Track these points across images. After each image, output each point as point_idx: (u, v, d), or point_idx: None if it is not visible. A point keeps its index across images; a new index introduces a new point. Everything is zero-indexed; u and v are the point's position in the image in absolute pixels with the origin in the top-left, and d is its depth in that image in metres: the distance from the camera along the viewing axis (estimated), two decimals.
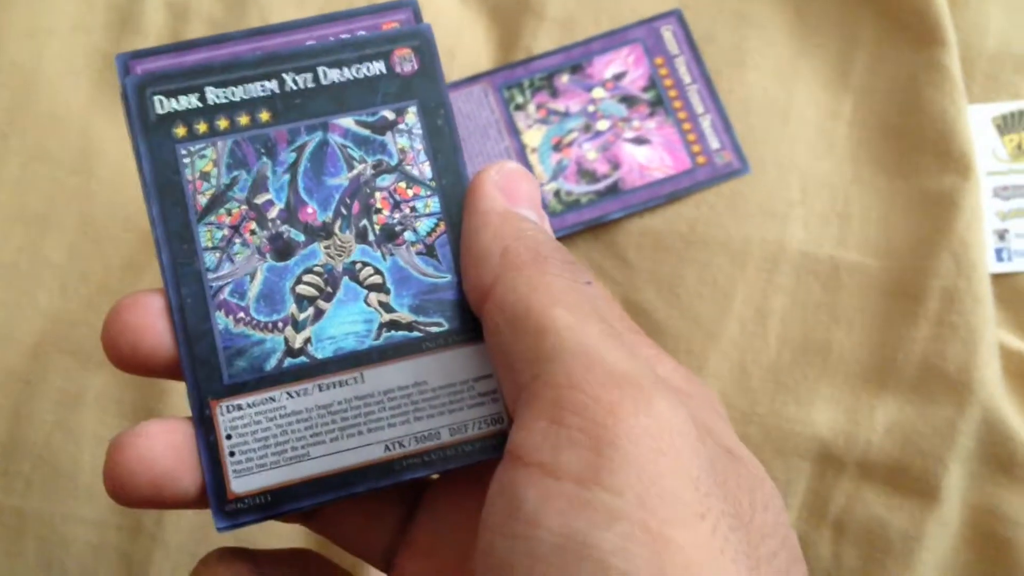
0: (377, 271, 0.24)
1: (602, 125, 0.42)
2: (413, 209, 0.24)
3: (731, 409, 0.38)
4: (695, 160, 0.41)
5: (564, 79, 0.42)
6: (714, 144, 0.41)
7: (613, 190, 0.41)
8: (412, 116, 0.25)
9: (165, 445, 0.22)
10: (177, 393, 0.38)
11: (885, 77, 0.42)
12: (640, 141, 0.42)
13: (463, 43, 0.43)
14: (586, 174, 0.41)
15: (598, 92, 0.42)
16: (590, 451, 0.18)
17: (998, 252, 0.41)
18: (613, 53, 0.43)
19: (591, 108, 0.42)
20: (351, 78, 0.24)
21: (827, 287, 0.40)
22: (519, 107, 0.42)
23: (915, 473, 0.37)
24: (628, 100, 0.42)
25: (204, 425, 0.23)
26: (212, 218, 0.24)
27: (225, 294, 0.23)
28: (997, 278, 0.40)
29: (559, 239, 0.40)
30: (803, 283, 0.40)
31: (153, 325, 0.23)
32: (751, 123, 0.42)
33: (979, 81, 0.42)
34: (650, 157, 0.41)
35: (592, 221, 0.40)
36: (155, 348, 0.23)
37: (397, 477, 0.23)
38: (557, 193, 0.41)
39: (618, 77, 0.42)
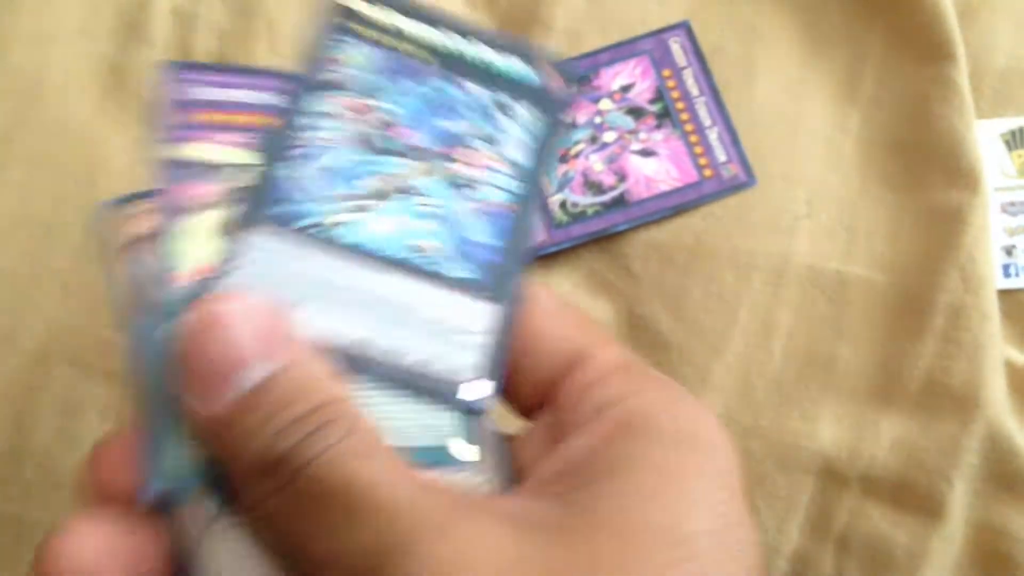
0: (434, 205, 0.25)
1: (609, 137, 0.42)
2: (494, 178, 0.26)
3: (734, 423, 0.38)
4: (702, 173, 0.41)
5: None
6: (721, 157, 0.41)
7: (619, 202, 0.41)
8: (532, 116, 0.27)
9: (92, 540, 0.21)
10: None
11: (894, 91, 0.42)
12: (647, 153, 0.41)
13: None
14: (592, 186, 0.41)
15: (605, 104, 0.42)
16: None
17: (1005, 268, 0.41)
18: (620, 65, 0.42)
19: (598, 120, 0.42)
20: (505, 68, 0.27)
21: (833, 301, 0.40)
22: None
23: (919, 490, 0.37)
24: (635, 112, 0.42)
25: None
26: (330, 92, 0.26)
27: (299, 152, 0.25)
28: (1004, 294, 0.40)
29: (564, 250, 0.40)
30: (809, 297, 0.40)
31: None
32: (758, 136, 0.42)
33: (987, 96, 0.42)
34: (657, 169, 0.41)
35: (598, 233, 0.40)
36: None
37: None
38: (563, 204, 0.41)
39: (625, 89, 0.42)
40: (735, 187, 0.41)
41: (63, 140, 0.41)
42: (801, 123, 0.42)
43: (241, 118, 0.25)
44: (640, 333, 0.40)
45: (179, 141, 0.24)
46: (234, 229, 0.24)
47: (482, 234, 0.26)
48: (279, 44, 0.42)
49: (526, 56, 0.27)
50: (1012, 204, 0.41)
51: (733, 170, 0.41)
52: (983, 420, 0.37)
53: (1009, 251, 0.41)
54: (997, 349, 0.38)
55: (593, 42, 0.43)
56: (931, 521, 0.37)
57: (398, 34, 0.27)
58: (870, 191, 0.41)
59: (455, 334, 0.25)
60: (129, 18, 0.43)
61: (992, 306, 0.39)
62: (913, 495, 0.37)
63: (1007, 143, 0.42)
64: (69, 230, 0.40)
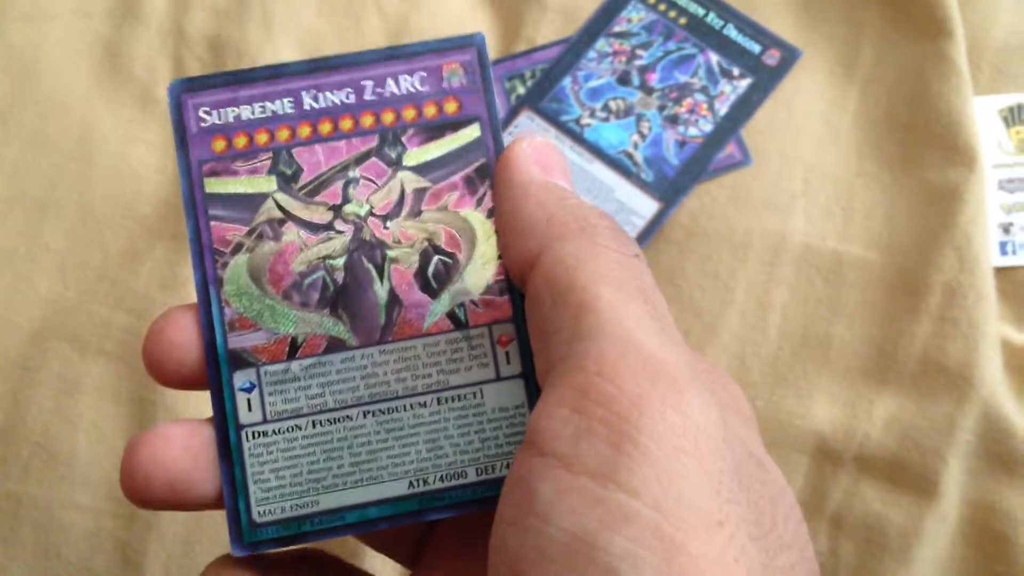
0: (650, 129, 0.39)
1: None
2: (698, 122, 0.39)
3: None
4: None
5: None
6: None
7: None
8: (744, 81, 0.40)
9: (182, 448, 0.21)
10: None
11: (891, 68, 0.41)
12: None
13: (464, 31, 0.42)
14: None
15: None
16: (609, 446, 0.17)
17: (1002, 245, 0.40)
18: None
19: None
20: (735, 38, 0.40)
21: (829, 280, 0.39)
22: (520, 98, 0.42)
23: (914, 469, 0.37)
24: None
25: (228, 452, 0.22)
26: (615, 39, 0.40)
27: (579, 72, 0.39)
28: (1001, 272, 0.40)
29: None
30: (804, 276, 0.40)
31: (191, 342, 0.22)
32: (755, 114, 0.41)
33: (986, 73, 0.42)
34: None
35: None
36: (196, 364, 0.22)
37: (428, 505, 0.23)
38: None
39: None
40: (730, 166, 0.41)
41: (58, 119, 0.41)
42: (797, 101, 0.41)
43: (262, 136, 0.23)
44: None
45: (206, 176, 0.22)
46: (518, 108, 0.37)
47: (672, 156, 0.38)
48: (274, 24, 0.42)
49: (754, 31, 0.38)
50: (1010, 181, 0.41)
51: (728, 149, 0.41)
52: (978, 399, 0.37)
53: (1006, 228, 0.41)
54: (993, 328, 0.38)
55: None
56: (925, 500, 0.37)
57: (668, 2, 0.38)
58: (866, 169, 0.41)
59: (627, 214, 0.38)
60: None
61: (988, 284, 0.38)
62: (907, 474, 0.37)
63: (1005, 120, 0.41)
64: (64, 209, 0.40)
